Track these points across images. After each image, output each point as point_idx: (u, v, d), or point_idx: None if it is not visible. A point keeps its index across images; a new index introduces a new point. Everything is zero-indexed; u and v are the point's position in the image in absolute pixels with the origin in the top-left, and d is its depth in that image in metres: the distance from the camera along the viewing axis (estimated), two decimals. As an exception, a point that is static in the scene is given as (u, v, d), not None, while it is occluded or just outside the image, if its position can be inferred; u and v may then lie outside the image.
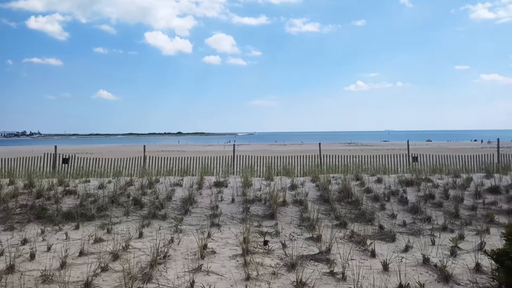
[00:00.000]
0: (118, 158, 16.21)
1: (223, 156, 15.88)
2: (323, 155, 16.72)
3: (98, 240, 6.42)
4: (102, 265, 5.18)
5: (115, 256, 5.57)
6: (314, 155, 16.66)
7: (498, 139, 18.70)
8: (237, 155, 15.97)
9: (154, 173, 11.32)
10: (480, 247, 5.89)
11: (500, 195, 8.92)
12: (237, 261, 5.51)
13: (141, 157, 16.09)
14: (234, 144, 18.40)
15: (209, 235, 6.68)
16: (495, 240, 6.26)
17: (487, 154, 16.29)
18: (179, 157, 15.99)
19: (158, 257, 5.36)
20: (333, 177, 10.58)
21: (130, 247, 6.04)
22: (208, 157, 15.89)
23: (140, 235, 6.74)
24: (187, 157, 15.84)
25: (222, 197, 8.79)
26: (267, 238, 6.52)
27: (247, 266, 5.16)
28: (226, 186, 9.56)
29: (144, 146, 17.38)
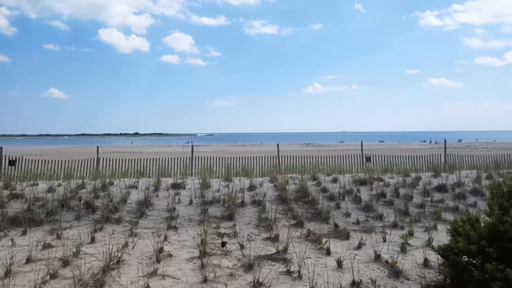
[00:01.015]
0: (69, 160, 15.50)
1: (181, 157, 15.63)
2: (282, 155, 16.91)
3: (47, 246, 6.10)
4: (51, 272, 4.93)
5: (65, 263, 5.32)
6: (273, 156, 16.82)
7: (445, 140, 19.81)
8: (195, 156, 15.79)
9: (108, 175, 10.94)
10: (428, 243, 6.20)
11: (447, 193, 9.45)
12: (194, 263, 5.44)
13: (94, 158, 15.47)
14: (192, 145, 18.16)
15: (165, 238, 6.55)
16: (442, 236, 6.60)
17: (435, 154, 17.21)
18: (135, 159, 15.55)
19: (111, 263, 5.18)
20: (291, 177, 10.73)
21: (81, 252, 5.79)
22: (166, 158, 15.58)
23: (92, 240, 6.48)
24: (144, 159, 15.43)
25: (179, 199, 8.65)
26: (225, 239, 6.50)
27: (204, 268, 5.11)
28: (184, 188, 9.42)
29: (98, 147, 16.73)
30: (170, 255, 5.75)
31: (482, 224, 4.48)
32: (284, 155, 17.02)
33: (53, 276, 4.88)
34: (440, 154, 17.33)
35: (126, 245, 6.15)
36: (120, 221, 7.52)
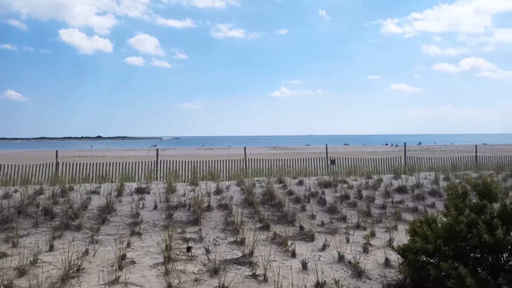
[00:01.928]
0: (27, 165, 14.82)
1: (146, 161, 15.33)
2: (249, 159, 16.96)
3: (1, 255, 5.80)
4: (6, 282, 4.68)
5: (22, 272, 5.07)
6: (240, 159, 16.83)
7: (404, 143, 20.59)
8: (161, 160, 15.53)
9: (68, 181, 10.54)
10: (389, 243, 6.41)
11: (407, 194, 9.80)
12: (158, 269, 5.35)
13: (53, 163, 14.88)
14: (157, 149, 17.85)
15: (128, 245, 6.39)
16: (402, 236, 6.83)
17: (396, 157, 17.84)
18: (97, 163, 15.09)
19: (70, 271, 4.99)
20: (257, 180, 10.77)
21: (39, 261, 5.55)
22: (129, 162, 15.22)
23: (51, 248, 6.22)
24: (106, 163, 15.01)
25: (144, 204, 8.47)
26: (191, 244, 6.43)
27: (169, 275, 5.03)
28: (149, 193, 9.23)
29: (57, 151, 16.11)
30: (133, 262, 5.62)
31: (439, 224, 4.67)
32: (252, 159, 17.08)
33: (8, 286, 4.64)
34: (401, 156, 17.97)
35: (86, 252, 5.94)
36: (81, 228, 7.27)
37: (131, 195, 9.04)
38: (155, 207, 8.33)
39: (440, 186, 10.18)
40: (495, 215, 4.30)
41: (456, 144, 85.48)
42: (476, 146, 22.72)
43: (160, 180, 11.47)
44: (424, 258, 4.54)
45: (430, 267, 4.37)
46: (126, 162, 15.21)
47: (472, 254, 4.29)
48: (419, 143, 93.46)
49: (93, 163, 15.06)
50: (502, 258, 4.18)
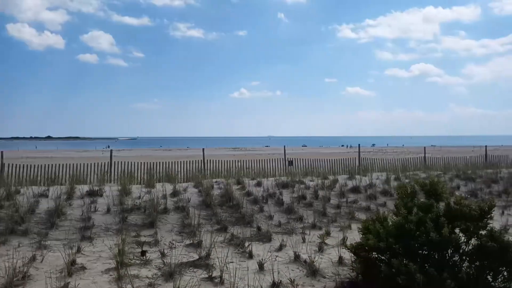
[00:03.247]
0: (-33, 167, 13.79)
1: (99, 163, 14.75)
2: (208, 160, 16.80)
3: None
4: None
5: (-43, 283, 4.70)
6: (199, 160, 16.63)
7: (359, 145, 21.29)
8: (116, 162, 15.00)
9: (14, 183, 9.93)
10: (343, 242, 6.57)
11: (360, 194, 10.14)
12: (111, 275, 5.16)
13: (-2, 165, 13.96)
14: (111, 150, 17.25)
15: (79, 250, 6.12)
16: (355, 235, 7.04)
17: (351, 158, 18.40)
18: (46, 164, 14.33)
19: (15, 278, 4.71)
20: (216, 182, 10.69)
21: (-22, 270, 5.17)
22: (81, 164, 14.56)
23: (-7, 256, 5.82)
24: (56, 164, 14.29)
25: (96, 207, 8.14)
26: (146, 248, 6.26)
27: (121, 280, 4.87)
28: (101, 196, 8.88)
29: (2, 152, 15.13)
30: (83, 268, 5.39)
31: (390, 223, 4.86)
32: (210, 160, 16.93)
33: None
34: (355, 157, 18.55)
35: (33, 258, 5.62)
36: (28, 232, 6.86)
37: (83, 198, 8.65)
38: (108, 211, 8.04)
39: (391, 186, 10.61)
40: (441, 213, 4.54)
41: (407, 146, 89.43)
42: (424, 147, 23.92)
43: (114, 183, 11.08)
44: (376, 256, 4.71)
45: (381, 264, 4.53)
46: (77, 164, 14.54)
47: (420, 251, 4.50)
48: (373, 145, 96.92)
49: (42, 165, 14.27)
50: (447, 255, 4.42)
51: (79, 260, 5.61)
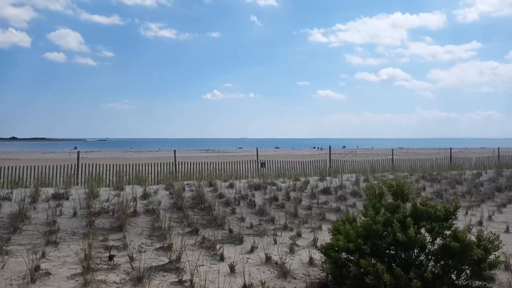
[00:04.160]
0: None
1: (66, 165, 14.27)
2: (180, 162, 16.60)
3: None
4: None
5: None
6: (170, 162, 16.40)
7: (329, 147, 21.61)
8: (84, 164, 14.56)
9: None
10: (314, 243, 6.63)
11: (331, 195, 10.28)
12: (77, 281, 4.99)
13: (-44, 167, 13.25)
14: (78, 151, 16.74)
15: (43, 255, 5.89)
16: (326, 236, 7.11)
17: (322, 160, 18.65)
18: (9, 166, 13.73)
19: (-28, 288, 4.46)
20: (187, 184, 10.57)
21: None
22: (47, 166, 14.05)
23: (-51, 263, 5.51)
24: (21, 166, 13.72)
25: (62, 211, 7.86)
26: (114, 252, 6.09)
27: (88, 285, 4.72)
28: (68, 199, 8.59)
29: (-39, 153, 14.38)
30: (48, 274, 5.18)
31: (359, 224, 4.94)
32: (182, 162, 16.73)
33: None
34: (326, 159, 18.83)
35: (-7, 266, 5.36)
36: (-13, 238, 6.54)
37: (48, 201, 8.34)
38: (75, 214, 7.78)
39: (360, 187, 10.82)
40: (408, 214, 4.66)
41: (376, 148, 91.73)
42: (392, 150, 24.57)
43: (81, 185, 10.75)
44: (345, 256, 4.78)
45: (350, 265, 4.61)
46: (43, 166, 14.03)
47: (387, 251, 4.60)
48: (344, 147, 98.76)
49: (5, 167, 13.67)
50: (413, 254, 4.54)
51: (43, 266, 5.40)
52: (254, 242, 6.68)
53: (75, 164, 14.54)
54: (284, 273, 5.18)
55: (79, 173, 13.95)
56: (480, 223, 8.55)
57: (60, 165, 14.12)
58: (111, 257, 5.81)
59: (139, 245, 6.61)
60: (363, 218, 5.09)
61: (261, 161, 17.62)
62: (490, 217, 9.06)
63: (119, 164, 14.91)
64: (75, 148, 77.03)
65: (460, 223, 8.09)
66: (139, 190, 9.50)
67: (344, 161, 19.58)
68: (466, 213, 9.61)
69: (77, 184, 11.28)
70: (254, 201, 9.28)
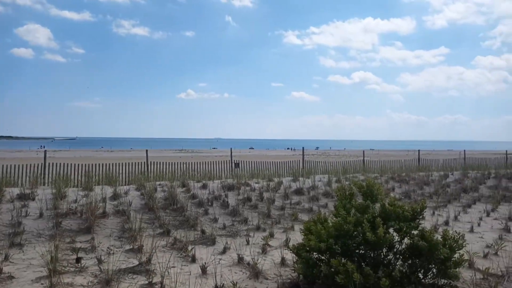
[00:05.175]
0: None
1: (33, 164, 13.77)
2: (152, 162, 16.34)
3: None
4: None
5: None
6: (142, 162, 16.12)
7: (303, 148, 21.81)
8: (51, 163, 14.09)
9: None
10: (286, 243, 6.68)
11: (303, 196, 10.38)
12: (42, 284, 4.82)
13: None
14: (45, 150, 16.19)
15: (6, 258, 5.65)
16: (298, 236, 7.17)
17: (296, 161, 18.82)
18: (-29, 166, 13.11)
19: None
20: (159, 184, 10.41)
21: None
22: (12, 165, 13.51)
23: None
24: (-17, 166, 13.12)
25: (27, 211, 7.57)
26: (81, 254, 5.93)
27: (53, 289, 4.56)
28: (34, 199, 8.29)
29: None
30: (11, 277, 4.98)
31: (330, 224, 5.01)
32: (155, 162, 16.48)
33: None
34: (300, 160, 19.01)
35: (-50, 270, 5.10)
36: None
37: (13, 201, 8.01)
38: (41, 215, 7.51)
39: (332, 188, 10.98)
40: (377, 214, 4.77)
41: (348, 149, 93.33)
42: (363, 151, 25.11)
43: (48, 185, 10.40)
44: (317, 256, 4.83)
45: (321, 264, 4.66)
46: (8, 165, 13.48)
47: (357, 251, 4.68)
48: (317, 148, 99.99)
49: (-35, 166, 13.04)
50: (382, 254, 4.64)
51: (6, 269, 5.18)
52: (227, 243, 6.65)
53: (42, 163, 14.05)
54: (256, 273, 5.18)
55: (46, 173, 13.50)
56: (446, 223, 8.84)
57: (27, 165, 13.61)
58: (78, 260, 5.64)
59: (108, 247, 6.45)
60: (334, 218, 5.16)
61: (235, 162, 17.60)
62: (456, 217, 9.38)
63: (89, 164, 14.52)
64: (43, 147, 74.52)
65: (427, 223, 8.35)
66: (109, 190, 9.28)
67: (317, 162, 19.82)
68: (433, 213, 9.91)
69: (44, 184, 10.91)
70: (228, 201, 9.25)
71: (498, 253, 6.32)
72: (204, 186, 10.46)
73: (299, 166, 17.80)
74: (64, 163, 14.30)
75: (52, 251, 5.66)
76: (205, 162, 17.38)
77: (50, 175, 13.02)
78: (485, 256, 6.20)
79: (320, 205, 9.83)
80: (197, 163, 17.20)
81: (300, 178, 12.05)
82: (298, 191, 10.55)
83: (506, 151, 25.91)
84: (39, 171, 13.45)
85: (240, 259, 5.74)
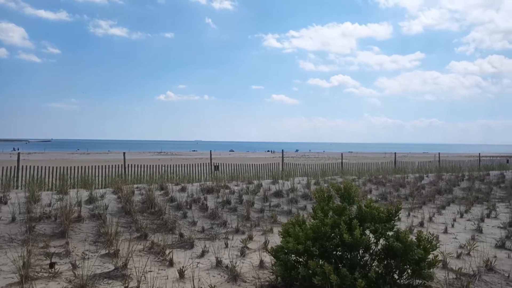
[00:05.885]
0: None
1: (5, 167, 13.34)
2: (130, 164, 16.10)
3: None
4: None
5: None
6: (119, 165, 15.85)
7: (282, 150, 21.90)
8: (25, 166, 13.69)
9: None
10: (265, 246, 6.69)
11: (283, 198, 10.42)
12: (13, 291, 4.66)
13: None
14: (19, 153, 15.73)
15: (-25, 265, 5.44)
16: (277, 238, 7.19)
17: (275, 163, 18.90)
18: None
19: None
20: (137, 187, 10.26)
21: None
22: (-17, 168, 13.07)
23: None
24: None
25: (-2, 216, 7.33)
26: (55, 259, 5.77)
27: (25, 296, 4.42)
28: (6, 203, 8.03)
29: None
30: (-21, 285, 4.80)
31: (308, 226, 5.04)
32: (133, 164, 16.24)
33: None
34: (279, 162, 19.09)
35: None
36: None
37: (-18, 206, 7.75)
38: (13, 219, 7.29)
39: (311, 190, 11.06)
40: (353, 216, 4.83)
41: (327, 152, 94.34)
42: (342, 154, 25.42)
43: (21, 189, 10.10)
44: (295, 258, 4.85)
45: (299, 266, 4.68)
46: (-22, 168, 13.02)
47: (335, 253, 4.73)
48: (297, 150, 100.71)
49: None
50: (358, 255, 4.70)
51: (-26, 277, 4.99)
52: (205, 246, 6.61)
53: (15, 166, 13.64)
54: (234, 276, 5.17)
55: (20, 176, 13.10)
56: (421, 224, 9.04)
57: (-2, 167, 13.17)
58: (52, 265, 5.49)
59: (83, 252, 6.30)
60: (312, 220, 5.20)
61: (215, 164, 17.52)
62: (430, 218, 9.60)
63: (64, 167, 14.17)
64: (17, 149, 72.29)
65: (403, 224, 8.52)
66: (84, 194, 9.08)
67: (297, 164, 19.95)
68: (409, 214, 10.11)
69: (17, 188, 10.59)
70: (207, 204, 9.19)
71: (471, 253, 6.50)
72: (183, 189, 10.37)
73: (278, 169, 17.88)
74: (38, 166, 13.92)
75: (25, 256, 5.48)
76: (184, 165, 17.25)
77: (23, 178, 12.63)
78: (458, 256, 6.37)
79: (299, 207, 9.89)
80: (176, 165, 17.05)
81: (280, 181, 12.10)
82: (278, 194, 10.59)
83: (479, 153, 26.74)
84: (12, 174, 13.05)
85: (219, 262, 5.71)
